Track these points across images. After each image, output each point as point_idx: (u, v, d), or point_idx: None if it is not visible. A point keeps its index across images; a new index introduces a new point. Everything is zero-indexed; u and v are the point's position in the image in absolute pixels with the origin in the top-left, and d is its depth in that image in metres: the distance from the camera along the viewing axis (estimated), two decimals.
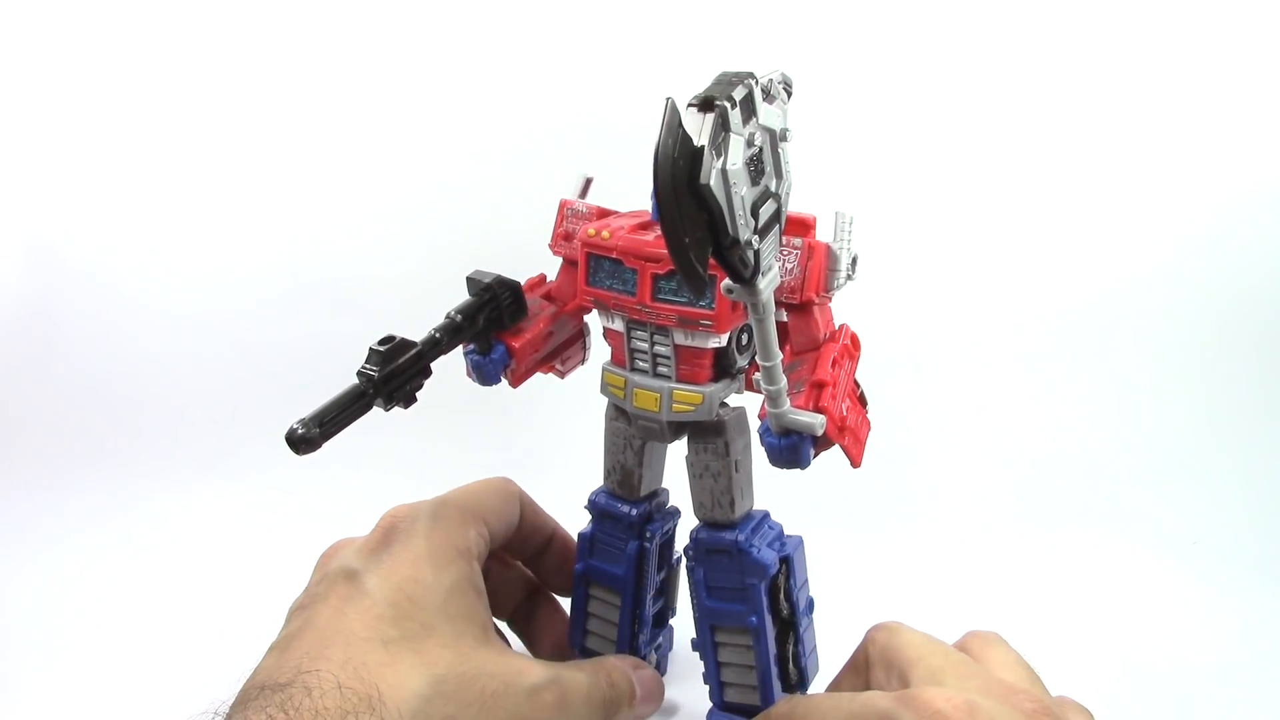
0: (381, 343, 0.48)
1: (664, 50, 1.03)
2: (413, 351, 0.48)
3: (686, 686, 0.62)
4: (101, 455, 0.95)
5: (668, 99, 0.33)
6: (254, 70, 1.10)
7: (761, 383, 0.43)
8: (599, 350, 0.59)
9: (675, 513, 0.60)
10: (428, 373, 0.50)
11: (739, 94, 0.35)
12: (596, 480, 0.59)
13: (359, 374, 0.47)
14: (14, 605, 0.74)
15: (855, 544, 0.80)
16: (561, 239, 0.56)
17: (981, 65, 1.02)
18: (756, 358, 0.42)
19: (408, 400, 0.49)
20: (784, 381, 0.43)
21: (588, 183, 0.57)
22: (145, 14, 1.08)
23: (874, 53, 0.98)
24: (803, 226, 0.50)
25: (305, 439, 0.43)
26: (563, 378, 0.59)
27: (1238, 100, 1.01)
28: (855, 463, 0.46)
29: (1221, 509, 0.87)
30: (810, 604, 0.56)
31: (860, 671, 0.48)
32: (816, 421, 0.43)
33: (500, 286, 0.52)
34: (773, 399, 0.43)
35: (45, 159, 1.10)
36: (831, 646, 0.55)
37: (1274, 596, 0.75)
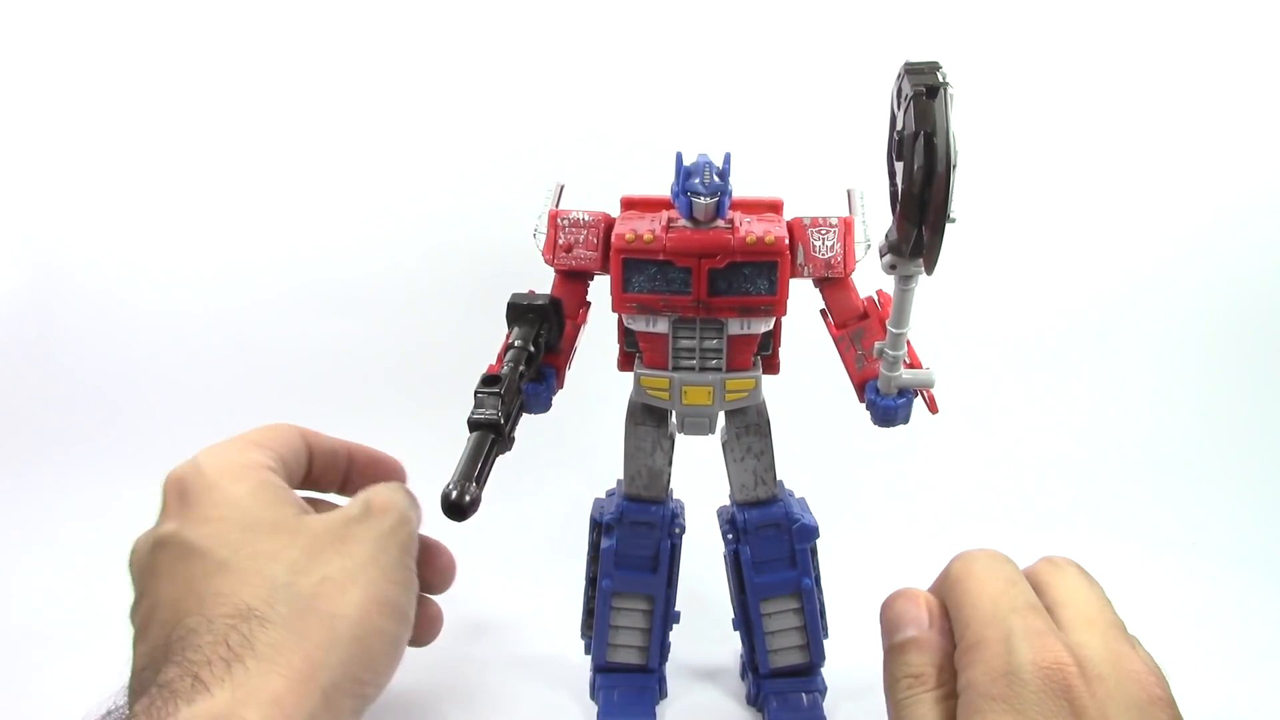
0: (484, 384, 0.44)
1: (655, 56, 1.00)
2: (515, 389, 0.45)
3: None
4: (100, 453, 0.94)
5: (943, 85, 0.35)
6: (253, 71, 1.05)
7: (887, 349, 0.46)
8: (585, 358, 0.58)
9: (682, 504, 0.61)
10: (523, 408, 0.46)
11: (943, 78, 0.38)
12: (598, 478, 0.59)
13: (477, 421, 0.42)
14: (12, 604, 0.72)
15: (855, 543, 0.77)
16: (562, 251, 0.53)
17: (982, 66, 1.00)
18: (889, 325, 0.45)
19: (513, 441, 0.45)
20: (905, 348, 0.47)
21: (560, 190, 0.55)
22: (144, 13, 1.04)
23: (874, 54, 0.90)
24: (772, 208, 0.54)
25: (472, 502, 0.39)
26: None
27: (1237, 103, 1.01)
28: (935, 409, 0.51)
29: (1221, 509, 0.86)
30: None
31: None
32: (932, 375, 0.48)
33: (555, 308, 0.49)
34: (892, 364, 0.47)
35: (45, 158, 1.07)
36: (834, 646, 0.60)
37: (1274, 596, 0.74)
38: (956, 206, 0.39)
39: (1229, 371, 0.99)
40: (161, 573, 0.44)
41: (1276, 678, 0.65)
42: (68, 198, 1.07)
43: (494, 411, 0.42)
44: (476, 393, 0.43)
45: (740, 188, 0.52)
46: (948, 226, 0.39)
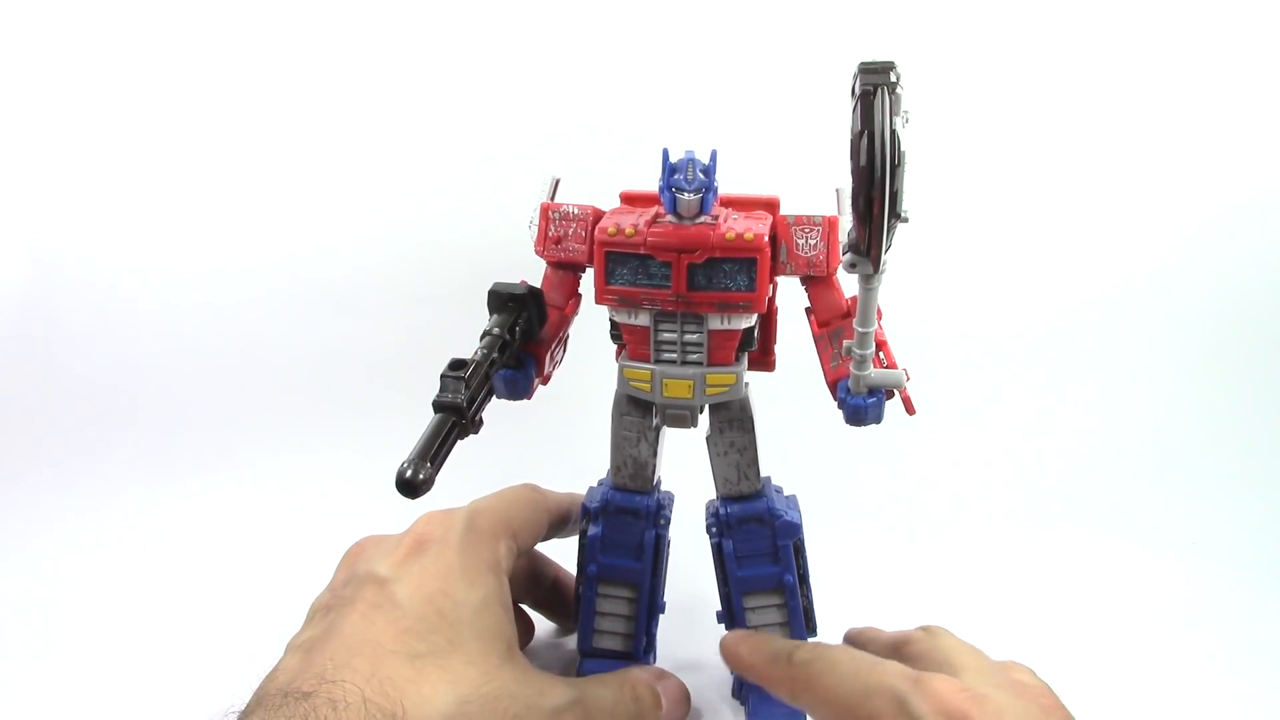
0: (452, 368, 0.45)
1: (651, 54, 1.02)
2: (482, 374, 0.46)
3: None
4: (102, 454, 0.94)
5: (884, 85, 0.36)
6: (253, 71, 1.07)
7: (854, 348, 0.47)
8: (586, 349, 0.59)
9: (672, 496, 0.61)
10: (491, 393, 0.48)
11: (894, 78, 0.38)
12: (597, 467, 0.60)
13: (441, 404, 0.44)
14: (14, 606, 0.72)
15: (854, 543, 0.79)
16: (552, 243, 0.54)
17: (981, 65, 1.01)
18: (854, 324, 0.46)
19: (479, 424, 0.46)
20: (873, 347, 0.47)
21: (556, 183, 0.56)
22: (144, 14, 1.06)
23: (874, 54, 0.94)
24: (769, 206, 0.55)
25: (424, 480, 0.40)
26: (546, 382, 0.58)
27: (1237, 102, 1.01)
28: (912, 410, 0.51)
29: (1221, 509, 0.86)
30: None
31: (895, 654, 0.51)
32: (901, 375, 0.47)
33: (533, 297, 0.51)
34: (860, 362, 0.47)
35: (46, 158, 1.08)
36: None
37: (1274, 596, 0.74)
38: (908, 205, 0.39)
39: (1229, 371, 0.98)
40: (357, 606, 0.46)
41: (1277, 678, 0.65)
42: (69, 198, 1.08)
43: (457, 395, 0.44)
44: (442, 376, 0.44)
45: (741, 186, 0.52)
46: (898, 225, 0.39)
